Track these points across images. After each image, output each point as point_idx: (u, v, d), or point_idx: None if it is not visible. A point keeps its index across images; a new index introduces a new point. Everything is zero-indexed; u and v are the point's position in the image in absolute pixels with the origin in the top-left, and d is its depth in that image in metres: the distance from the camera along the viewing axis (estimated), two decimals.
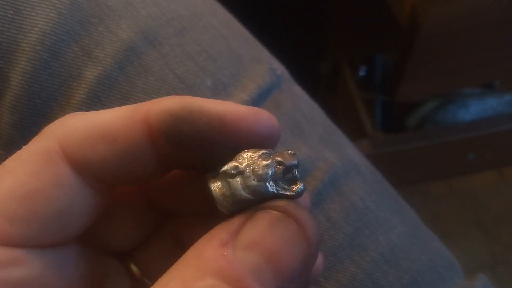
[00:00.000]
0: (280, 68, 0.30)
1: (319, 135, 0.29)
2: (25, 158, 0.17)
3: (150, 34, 0.27)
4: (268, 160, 0.16)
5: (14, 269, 0.16)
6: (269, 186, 0.16)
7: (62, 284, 0.17)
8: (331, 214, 0.27)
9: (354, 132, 1.05)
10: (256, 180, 0.16)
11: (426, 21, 0.75)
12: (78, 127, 0.17)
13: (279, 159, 0.16)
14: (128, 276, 0.21)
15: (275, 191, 0.16)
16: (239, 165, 0.17)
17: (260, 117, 0.17)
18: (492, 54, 0.87)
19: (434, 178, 1.17)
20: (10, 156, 0.17)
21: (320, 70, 1.14)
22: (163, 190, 0.21)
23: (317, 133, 0.29)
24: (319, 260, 0.19)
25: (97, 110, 0.26)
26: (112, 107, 0.26)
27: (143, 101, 0.26)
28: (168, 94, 0.27)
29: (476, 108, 1.06)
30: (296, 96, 0.30)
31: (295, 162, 0.16)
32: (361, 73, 1.11)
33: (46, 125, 0.25)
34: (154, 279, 0.20)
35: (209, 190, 0.17)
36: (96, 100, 0.26)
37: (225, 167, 0.17)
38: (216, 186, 0.17)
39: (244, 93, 0.28)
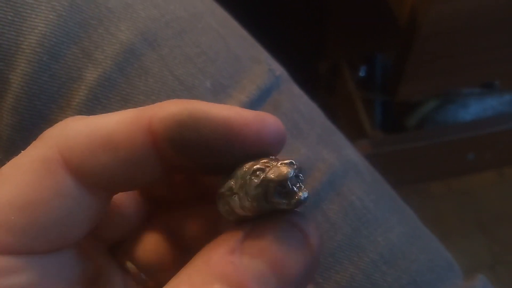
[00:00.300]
0: (279, 69, 0.31)
1: (318, 136, 0.30)
2: (24, 166, 0.16)
3: (149, 36, 0.27)
4: (259, 179, 0.16)
5: (13, 277, 0.16)
6: (264, 204, 0.16)
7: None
8: (329, 214, 0.27)
9: (354, 132, 1.05)
10: (250, 200, 0.16)
11: (425, 21, 0.75)
12: (79, 133, 0.17)
13: (271, 176, 0.16)
14: (124, 272, 0.21)
15: (272, 207, 0.16)
16: (233, 186, 0.17)
17: (267, 122, 0.17)
18: (492, 54, 0.87)
19: (433, 178, 1.17)
20: (8, 161, 0.17)
21: (319, 70, 1.14)
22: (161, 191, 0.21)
23: (316, 134, 0.29)
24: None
25: (97, 112, 0.26)
26: (112, 109, 0.26)
27: (143, 103, 0.26)
28: (168, 96, 0.27)
29: (476, 108, 1.06)
30: (295, 97, 0.31)
31: (286, 176, 0.16)
32: (361, 73, 1.11)
33: (46, 127, 0.25)
34: (148, 271, 0.20)
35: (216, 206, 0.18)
36: (96, 102, 0.26)
37: (221, 189, 0.17)
38: (220, 203, 0.18)
39: (243, 94, 0.28)
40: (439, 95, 1.05)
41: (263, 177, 0.16)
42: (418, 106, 1.06)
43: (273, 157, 0.17)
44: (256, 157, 0.17)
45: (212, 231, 0.21)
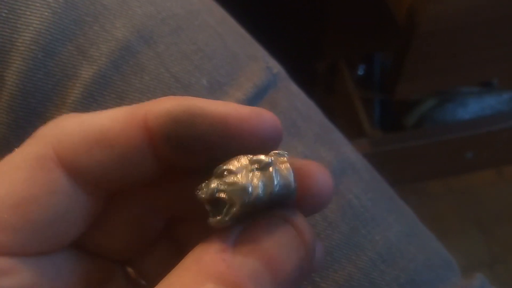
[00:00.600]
0: (276, 67, 0.30)
1: (316, 134, 0.29)
2: (19, 163, 0.16)
3: (145, 33, 0.27)
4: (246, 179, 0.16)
5: (5, 278, 0.16)
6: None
7: None
8: (327, 213, 0.27)
9: (353, 131, 1.05)
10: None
11: (423, 20, 0.75)
12: (73, 130, 0.17)
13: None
14: (124, 277, 0.21)
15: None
16: (222, 196, 0.16)
17: (263, 118, 0.17)
18: (490, 52, 0.87)
19: (432, 176, 1.17)
20: (2, 159, 0.17)
21: (318, 69, 1.14)
22: (164, 194, 0.20)
23: (313, 132, 0.29)
24: (319, 251, 0.19)
25: (93, 109, 0.26)
26: (107, 106, 0.26)
27: (139, 100, 0.26)
28: (164, 93, 0.26)
29: (474, 106, 1.06)
30: (292, 95, 0.30)
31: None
32: (360, 72, 1.11)
33: (41, 125, 0.25)
34: (154, 282, 0.20)
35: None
36: (91, 100, 0.26)
37: (197, 190, 0.17)
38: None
39: (240, 92, 0.28)
40: (437, 94, 1.05)
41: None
42: (417, 105, 1.06)
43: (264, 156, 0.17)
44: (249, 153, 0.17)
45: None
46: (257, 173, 0.16)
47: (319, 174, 0.18)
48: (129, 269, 0.20)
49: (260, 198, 0.16)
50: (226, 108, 0.17)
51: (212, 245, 0.16)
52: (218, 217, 0.16)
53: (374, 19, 1.00)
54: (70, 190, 0.17)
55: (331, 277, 0.27)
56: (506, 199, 1.16)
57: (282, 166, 0.17)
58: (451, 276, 0.30)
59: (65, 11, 0.26)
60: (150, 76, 0.26)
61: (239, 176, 0.16)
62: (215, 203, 0.16)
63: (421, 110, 1.06)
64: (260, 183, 0.16)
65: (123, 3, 0.27)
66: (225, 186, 0.16)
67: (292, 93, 0.31)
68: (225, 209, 0.16)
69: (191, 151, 0.17)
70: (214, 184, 0.16)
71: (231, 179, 0.16)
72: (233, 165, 0.16)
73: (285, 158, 0.17)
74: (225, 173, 0.16)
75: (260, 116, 0.17)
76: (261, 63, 0.30)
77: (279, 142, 0.18)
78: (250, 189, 0.16)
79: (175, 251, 0.21)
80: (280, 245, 0.16)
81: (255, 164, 0.16)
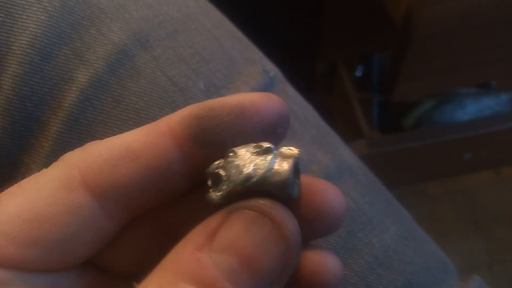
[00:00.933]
0: (273, 70, 0.30)
1: (312, 137, 0.29)
2: (43, 182, 0.17)
3: (142, 37, 0.27)
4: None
5: None
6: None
7: None
8: None
9: (351, 132, 1.05)
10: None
11: (421, 21, 0.75)
12: (98, 152, 0.17)
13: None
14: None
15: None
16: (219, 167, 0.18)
17: (273, 98, 0.18)
18: (488, 54, 0.87)
19: (430, 178, 1.17)
20: None
21: (316, 70, 1.14)
22: (173, 213, 0.20)
23: (310, 135, 0.29)
24: (335, 264, 0.19)
25: (89, 113, 0.26)
26: (104, 110, 0.26)
27: (135, 104, 0.26)
28: (161, 97, 0.26)
29: (472, 108, 1.06)
30: (289, 98, 0.30)
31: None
32: (358, 73, 1.11)
33: (37, 129, 0.25)
34: None
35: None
36: (87, 103, 0.25)
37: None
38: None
39: None
40: (436, 95, 1.05)
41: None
42: (415, 106, 1.06)
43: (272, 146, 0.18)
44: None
45: None
46: (255, 156, 0.17)
47: (330, 190, 0.18)
48: (135, 284, 0.20)
49: (251, 179, 0.17)
50: (240, 96, 0.18)
51: (189, 242, 0.16)
52: (212, 193, 0.17)
53: (372, 21, 1.00)
54: (91, 212, 0.17)
55: None
56: (504, 200, 1.16)
57: (286, 157, 0.18)
58: (448, 278, 0.30)
59: (61, 15, 0.26)
60: (147, 80, 0.26)
61: (239, 155, 0.17)
62: (216, 179, 0.17)
63: (420, 112, 1.06)
64: (253, 165, 0.17)
65: (119, 7, 0.27)
66: (225, 164, 0.17)
67: (289, 96, 0.31)
68: (220, 185, 0.17)
69: (216, 144, 0.17)
70: (218, 161, 0.17)
71: (232, 158, 0.17)
72: (240, 148, 0.17)
73: (295, 152, 0.18)
74: (230, 153, 0.17)
75: (269, 96, 0.18)
76: (258, 66, 0.30)
77: (288, 119, 0.19)
78: (242, 168, 0.17)
79: (169, 242, 0.20)
80: (256, 240, 0.16)
81: (257, 148, 0.17)
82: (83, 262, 0.18)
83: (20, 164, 0.26)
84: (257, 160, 0.17)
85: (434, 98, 1.05)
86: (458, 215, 1.14)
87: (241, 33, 0.32)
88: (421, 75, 0.89)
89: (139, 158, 0.17)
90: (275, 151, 0.18)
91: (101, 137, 0.26)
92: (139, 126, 0.18)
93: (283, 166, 0.17)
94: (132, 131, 0.18)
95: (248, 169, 0.17)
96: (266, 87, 0.29)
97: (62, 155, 0.25)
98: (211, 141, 0.17)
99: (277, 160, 0.17)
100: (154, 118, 0.26)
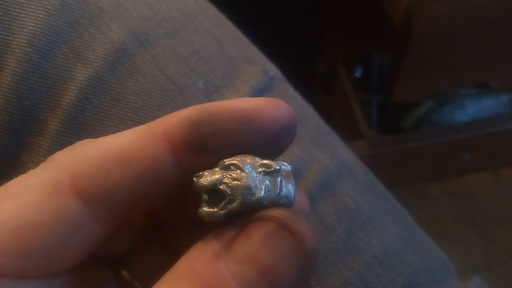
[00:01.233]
0: (273, 69, 0.30)
1: (312, 137, 0.29)
2: (31, 186, 0.16)
3: (141, 36, 0.27)
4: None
5: None
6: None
7: None
8: (324, 216, 0.27)
9: (350, 132, 1.05)
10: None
11: (420, 21, 0.75)
12: (89, 154, 0.16)
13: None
14: (116, 283, 0.20)
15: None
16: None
17: (279, 104, 0.17)
18: (488, 54, 0.87)
19: (430, 178, 1.17)
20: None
21: (316, 71, 1.14)
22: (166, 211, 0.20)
23: (309, 135, 0.29)
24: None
25: (88, 112, 0.25)
26: (102, 109, 0.26)
27: (134, 103, 0.26)
28: (160, 96, 0.26)
29: (472, 109, 1.06)
30: (289, 98, 0.30)
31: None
32: (357, 74, 1.11)
33: (35, 128, 0.25)
34: (145, 283, 0.20)
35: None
36: (86, 102, 0.25)
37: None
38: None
39: (236, 95, 0.28)
40: (435, 95, 1.05)
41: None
42: (415, 107, 1.06)
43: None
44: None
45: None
46: (263, 176, 0.16)
47: (279, 101, 0.17)
48: (124, 272, 0.20)
49: (261, 202, 0.16)
50: (242, 101, 0.17)
51: (205, 250, 0.15)
52: (211, 209, 0.16)
53: (371, 21, 1.00)
54: (80, 217, 0.16)
55: (327, 281, 0.26)
56: (503, 201, 1.16)
57: (287, 178, 0.17)
58: (448, 279, 0.30)
59: (60, 13, 0.26)
60: (146, 79, 0.26)
61: (246, 174, 0.16)
62: (213, 194, 0.16)
63: (419, 112, 1.06)
64: (265, 187, 0.16)
65: (118, 6, 0.27)
66: (230, 180, 0.16)
67: (288, 95, 0.31)
68: (223, 203, 0.16)
69: (215, 151, 0.16)
70: (218, 174, 0.16)
71: (237, 174, 0.16)
72: (241, 161, 0.16)
73: (290, 171, 0.17)
74: (232, 167, 0.16)
75: (275, 103, 0.17)
76: (257, 66, 0.29)
77: (295, 129, 0.18)
78: (254, 190, 0.16)
79: (167, 252, 0.20)
80: (277, 253, 0.15)
81: (263, 167, 0.16)
82: (73, 269, 0.17)
83: (18, 163, 0.26)
84: (266, 181, 0.16)
85: (434, 98, 1.05)
86: (457, 216, 1.14)
87: (240, 32, 0.32)
88: (420, 75, 0.89)
89: (132, 163, 0.16)
90: (281, 171, 0.17)
91: (100, 136, 0.25)
92: (138, 126, 0.18)
93: (289, 190, 0.17)
94: (127, 131, 0.17)
95: (260, 193, 0.16)
96: (266, 87, 0.29)
97: None
98: (209, 148, 0.16)
99: (283, 182, 0.16)
100: (153, 117, 0.26)
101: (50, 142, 0.25)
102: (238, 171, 0.16)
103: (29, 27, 0.25)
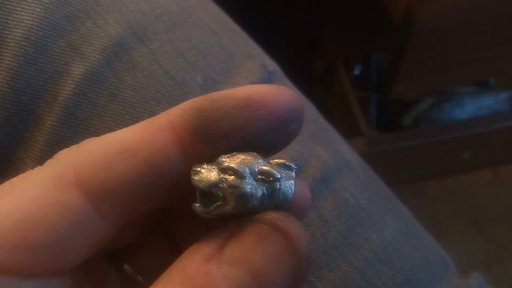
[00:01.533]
0: (272, 65, 0.30)
1: (311, 132, 0.29)
2: (35, 180, 0.16)
3: (138, 30, 0.26)
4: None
5: None
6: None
7: None
8: (323, 212, 0.27)
9: (349, 130, 1.05)
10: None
11: (420, 19, 0.75)
12: (93, 149, 0.16)
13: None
14: (118, 276, 0.20)
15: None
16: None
17: (282, 90, 0.17)
18: (487, 52, 0.87)
19: (429, 176, 1.17)
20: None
21: (315, 69, 1.14)
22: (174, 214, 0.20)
23: (309, 130, 0.29)
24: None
25: (84, 107, 0.25)
26: (99, 103, 0.25)
27: (132, 98, 0.26)
28: (157, 90, 0.26)
29: (471, 107, 1.06)
30: None
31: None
32: (356, 72, 1.11)
33: (31, 122, 0.25)
34: (147, 277, 0.20)
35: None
36: (82, 97, 0.25)
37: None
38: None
39: None
40: (434, 93, 1.05)
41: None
42: (414, 105, 1.06)
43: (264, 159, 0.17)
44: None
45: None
46: (262, 184, 0.16)
47: (283, 87, 0.17)
48: (126, 266, 0.20)
49: (256, 208, 0.16)
50: (246, 87, 0.16)
51: (197, 252, 0.15)
52: (203, 208, 0.16)
53: (371, 19, 0.99)
54: (84, 213, 0.16)
55: (326, 277, 0.26)
56: (502, 199, 1.16)
57: (287, 182, 0.16)
58: (448, 275, 0.29)
59: (56, 7, 0.25)
60: (143, 73, 0.26)
61: (242, 181, 0.16)
62: (208, 193, 0.16)
63: (418, 110, 1.06)
64: (261, 195, 0.16)
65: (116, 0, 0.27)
66: (226, 185, 0.16)
67: None
68: (216, 204, 0.16)
69: (220, 139, 0.16)
70: (215, 177, 0.16)
71: (234, 180, 0.16)
72: (240, 165, 0.16)
73: (292, 175, 0.17)
74: (229, 171, 0.16)
75: (280, 89, 0.17)
76: (256, 61, 0.29)
77: (302, 114, 0.17)
78: (248, 198, 0.16)
79: (170, 245, 0.20)
80: (269, 255, 0.15)
81: (263, 175, 0.16)
82: (77, 266, 0.17)
83: (14, 159, 0.25)
84: (264, 189, 0.16)
85: (433, 96, 1.05)
86: (456, 215, 1.14)
87: (239, 28, 0.32)
88: (419, 73, 0.88)
89: (136, 154, 0.16)
90: (281, 180, 0.16)
91: (97, 131, 0.25)
92: (136, 121, 0.17)
93: (287, 195, 0.16)
94: (131, 126, 0.17)
95: (254, 201, 0.16)
96: (265, 82, 0.29)
97: (57, 149, 0.25)
98: (214, 135, 0.16)
99: (282, 189, 0.16)
100: (151, 112, 0.26)
101: (46, 137, 0.25)
102: (236, 177, 0.16)
103: (25, 21, 0.25)
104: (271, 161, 0.17)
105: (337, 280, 0.26)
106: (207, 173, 0.16)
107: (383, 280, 0.27)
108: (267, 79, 0.29)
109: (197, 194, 0.16)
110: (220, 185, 0.16)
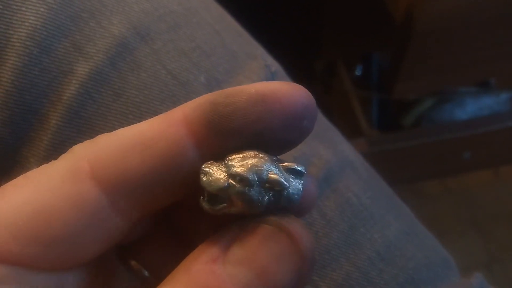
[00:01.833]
0: (274, 65, 0.30)
1: (314, 132, 0.29)
2: (50, 173, 0.16)
3: (142, 30, 0.27)
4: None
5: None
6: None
7: None
8: (326, 211, 0.27)
9: (350, 130, 1.05)
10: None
11: (421, 19, 0.75)
12: (108, 143, 0.16)
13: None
14: (125, 272, 0.20)
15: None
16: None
17: (296, 86, 0.17)
18: (488, 52, 0.87)
19: (429, 176, 1.17)
20: None
21: (316, 68, 1.14)
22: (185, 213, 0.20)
23: None
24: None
25: (89, 106, 0.25)
26: (103, 103, 0.26)
27: (135, 98, 0.26)
28: (161, 90, 0.26)
29: (472, 107, 1.06)
30: None
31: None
32: (357, 72, 1.11)
33: (36, 122, 0.25)
34: (153, 273, 0.20)
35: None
36: (87, 97, 0.25)
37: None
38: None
39: None
40: (435, 93, 1.05)
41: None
42: (415, 105, 1.06)
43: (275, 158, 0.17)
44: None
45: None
46: (268, 192, 0.16)
47: (296, 84, 0.17)
48: (133, 262, 0.20)
49: (260, 211, 0.16)
50: (260, 84, 0.17)
51: (203, 253, 0.15)
52: (212, 206, 0.16)
53: (372, 19, 1.00)
54: (99, 207, 0.16)
55: (329, 276, 0.26)
56: (503, 199, 1.17)
57: (294, 187, 0.17)
58: (450, 275, 0.29)
59: (61, 7, 0.25)
60: (147, 73, 0.26)
61: (249, 188, 0.16)
62: (214, 196, 0.16)
63: (419, 110, 1.07)
64: (267, 201, 0.16)
65: (120, 0, 0.27)
66: (233, 191, 0.16)
67: None
68: (221, 205, 0.16)
69: (233, 132, 0.16)
70: (223, 182, 0.16)
71: (241, 188, 0.16)
72: (249, 170, 0.16)
73: (301, 180, 0.17)
74: (237, 177, 0.16)
75: (293, 85, 0.17)
76: (259, 61, 0.29)
77: (315, 111, 0.17)
78: (254, 204, 0.16)
79: (177, 240, 0.20)
80: (274, 255, 0.15)
81: (270, 184, 0.16)
82: (90, 262, 0.17)
83: (19, 157, 0.26)
84: (270, 195, 0.16)
85: (434, 96, 1.05)
86: (457, 214, 1.14)
87: (242, 28, 0.32)
88: (420, 73, 0.89)
89: (151, 147, 0.16)
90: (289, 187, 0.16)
91: (101, 130, 0.25)
92: (139, 120, 0.17)
93: (293, 200, 0.16)
94: (146, 120, 0.17)
95: (260, 207, 0.16)
96: None
97: (61, 148, 0.25)
98: (227, 128, 0.16)
99: (288, 195, 0.16)
100: (154, 112, 0.26)
101: (51, 137, 0.25)
102: (243, 184, 0.16)
103: (30, 21, 0.25)
104: (280, 165, 0.17)
105: (340, 280, 0.26)
106: (216, 175, 0.16)
107: (386, 280, 0.27)
108: (270, 79, 0.29)
109: (205, 192, 0.16)
110: (228, 190, 0.16)
